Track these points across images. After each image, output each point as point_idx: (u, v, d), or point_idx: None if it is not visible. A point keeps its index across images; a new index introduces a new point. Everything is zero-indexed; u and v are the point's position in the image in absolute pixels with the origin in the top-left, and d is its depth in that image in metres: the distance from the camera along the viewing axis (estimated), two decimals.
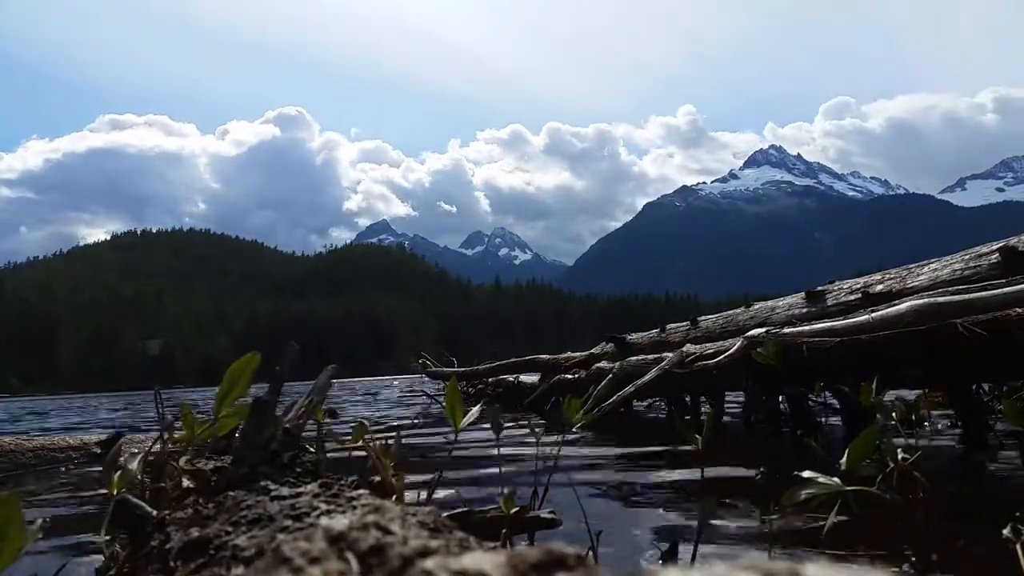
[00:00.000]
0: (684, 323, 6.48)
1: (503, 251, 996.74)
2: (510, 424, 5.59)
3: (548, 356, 8.09)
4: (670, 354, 4.96)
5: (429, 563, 0.49)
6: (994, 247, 3.46)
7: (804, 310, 4.70)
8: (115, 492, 1.14)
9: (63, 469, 3.88)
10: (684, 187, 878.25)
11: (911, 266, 4.07)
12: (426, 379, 12.88)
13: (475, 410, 1.55)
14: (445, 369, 10.11)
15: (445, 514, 1.50)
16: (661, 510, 2.20)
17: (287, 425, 1.51)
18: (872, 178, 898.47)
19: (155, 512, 1.09)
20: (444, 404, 1.55)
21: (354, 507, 0.79)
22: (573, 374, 7.00)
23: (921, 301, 3.20)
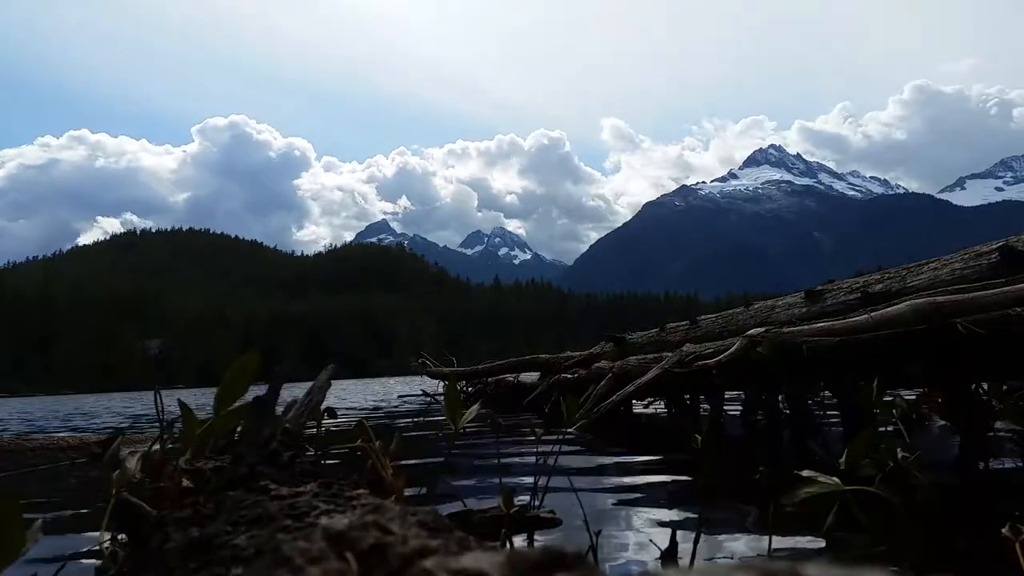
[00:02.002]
0: (684, 322, 6.48)
1: (503, 251, 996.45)
2: (509, 424, 5.60)
3: (548, 356, 8.09)
4: (670, 354, 4.96)
5: (429, 563, 0.49)
6: (993, 246, 3.47)
7: (804, 309, 4.70)
8: (114, 492, 1.14)
9: (63, 469, 3.88)
10: (684, 186, 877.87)
11: (910, 265, 4.07)
12: (426, 379, 12.87)
13: (474, 408, 1.55)
14: (445, 369, 10.11)
15: (445, 514, 1.50)
16: (661, 509, 2.20)
17: (287, 425, 1.51)
18: (871, 177, 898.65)
19: (155, 512, 1.09)
20: (444, 403, 1.55)
21: (354, 507, 0.79)
22: (573, 373, 7.00)
23: (921, 300, 3.20)
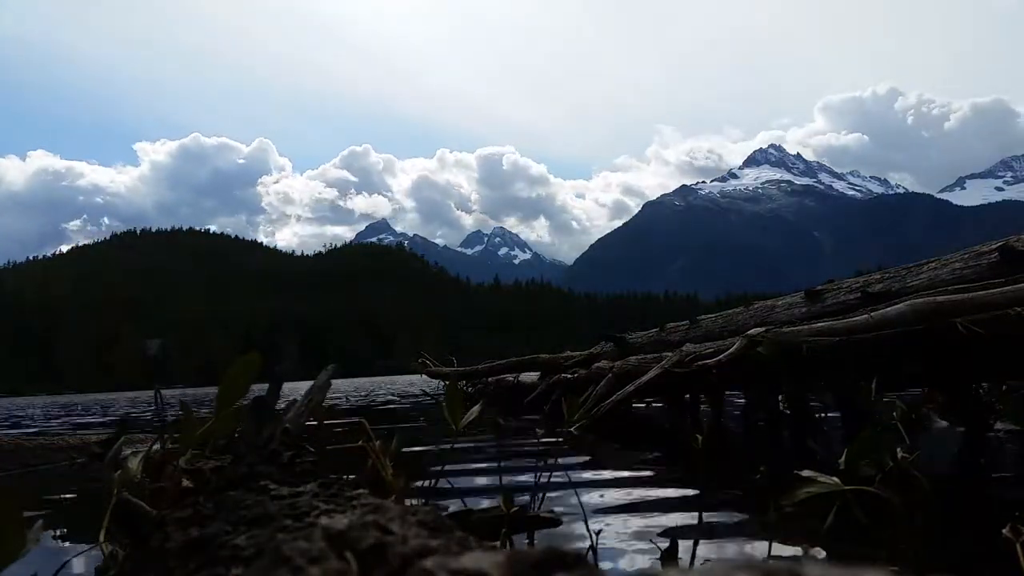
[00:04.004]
0: (684, 322, 6.48)
1: (503, 250, 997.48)
2: (510, 424, 5.60)
3: (548, 355, 8.08)
4: (669, 353, 4.96)
5: (429, 562, 0.49)
6: (993, 246, 3.46)
7: (803, 309, 4.70)
8: (115, 492, 1.14)
9: (63, 469, 3.88)
10: (684, 186, 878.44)
11: (910, 265, 4.07)
12: (426, 379, 12.88)
13: (475, 409, 1.55)
14: (445, 369, 10.11)
15: (445, 513, 1.50)
16: (661, 509, 2.20)
17: (287, 425, 1.51)
18: (871, 177, 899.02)
19: (155, 512, 1.09)
20: (444, 403, 1.56)
21: (354, 507, 0.79)
22: (573, 373, 7.00)
23: (921, 300, 3.20)
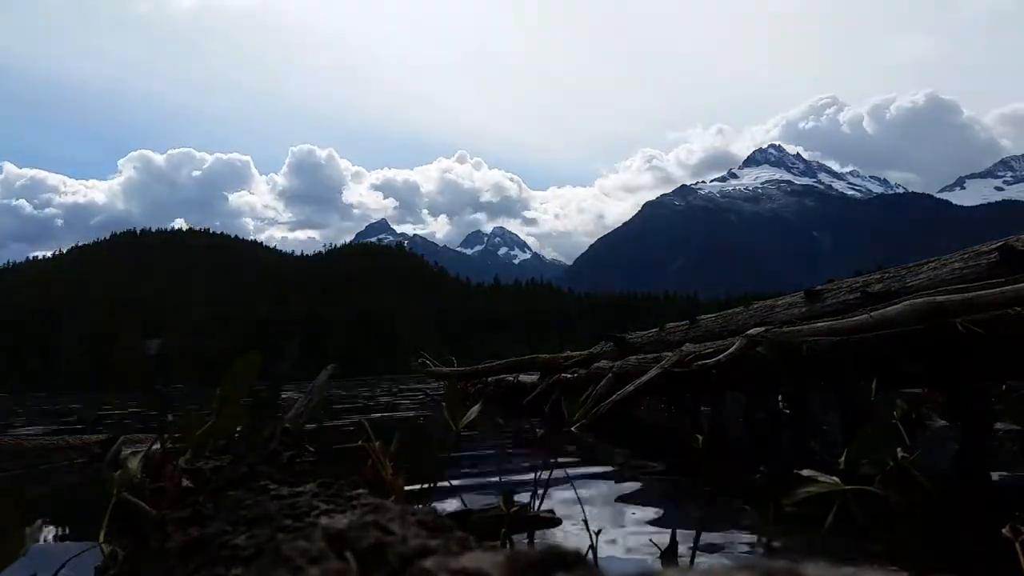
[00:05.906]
0: (683, 322, 6.48)
1: (502, 250, 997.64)
2: (509, 424, 5.59)
3: (547, 355, 8.08)
4: (669, 353, 4.96)
5: (428, 562, 0.49)
6: (993, 246, 3.47)
7: (803, 309, 4.71)
8: (114, 492, 1.14)
9: (63, 469, 3.88)
10: (683, 186, 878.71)
11: (910, 265, 4.08)
12: (426, 379, 12.86)
13: (475, 409, 1.55)
14: (445, 369, 10.11)
15: (445, 514, 1.50)
16: (661, 509, 2.20)
17: (287, 424, 1.51)
18: (871, 177, 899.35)
19: (155, 512, 1.09)
20: (444, 403, 1.56)
21: (353, 506, 0.79)
22: (572, 373, 6.99)
23: (920, 300, 3.20)
